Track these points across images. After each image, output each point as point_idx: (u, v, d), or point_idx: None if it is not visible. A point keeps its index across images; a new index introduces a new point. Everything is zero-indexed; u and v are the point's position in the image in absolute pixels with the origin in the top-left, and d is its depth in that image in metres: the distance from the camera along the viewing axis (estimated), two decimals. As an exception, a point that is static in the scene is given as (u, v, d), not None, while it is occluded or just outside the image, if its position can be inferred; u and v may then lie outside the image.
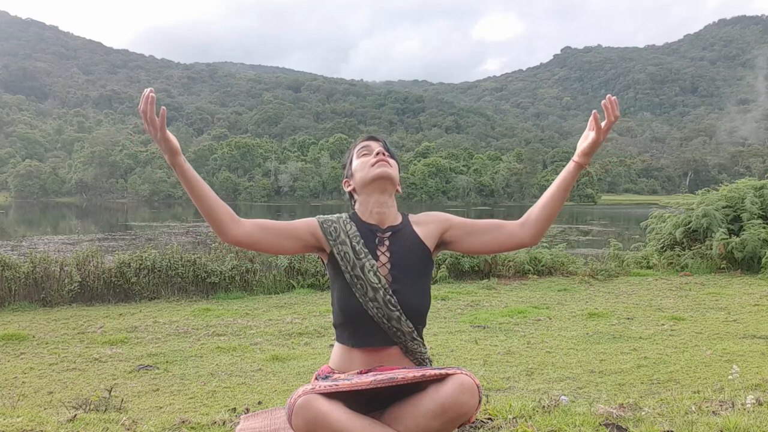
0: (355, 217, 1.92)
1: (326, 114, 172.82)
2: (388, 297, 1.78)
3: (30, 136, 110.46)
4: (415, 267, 1.86)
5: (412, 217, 1.97)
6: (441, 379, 1.61)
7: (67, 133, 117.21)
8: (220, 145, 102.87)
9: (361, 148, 1.99)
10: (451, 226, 1.93)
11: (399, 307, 1.79)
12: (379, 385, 1.60)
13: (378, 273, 1.80)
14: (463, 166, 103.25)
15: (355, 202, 1.98)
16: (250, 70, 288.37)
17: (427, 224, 1.93)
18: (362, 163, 1.93)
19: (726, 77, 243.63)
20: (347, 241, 1.84)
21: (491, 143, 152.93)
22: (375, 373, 1.72)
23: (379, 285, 1.79)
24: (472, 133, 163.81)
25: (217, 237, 1.84)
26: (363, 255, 1.82)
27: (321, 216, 1.91)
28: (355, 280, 1.80)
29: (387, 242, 1.86)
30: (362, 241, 1.85)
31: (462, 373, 1.62)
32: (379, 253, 1.84)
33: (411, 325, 1.81)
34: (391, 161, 1.95)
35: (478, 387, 1.61)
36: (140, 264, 8.73)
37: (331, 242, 1.85)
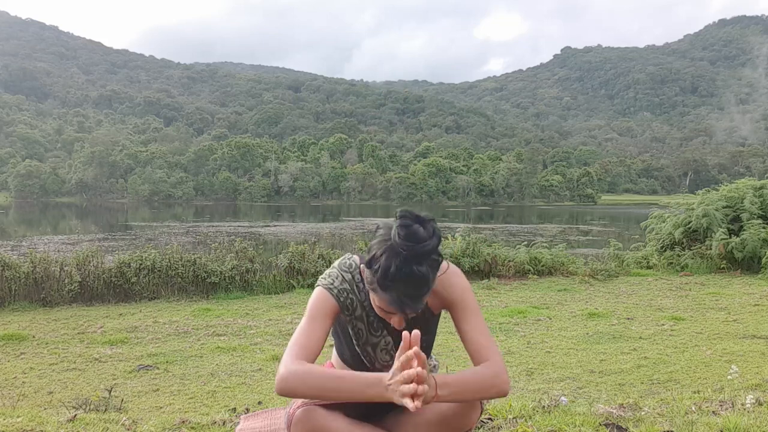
0: None
1: (326, 114, 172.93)
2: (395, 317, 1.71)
3: (30, 136, 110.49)
4: (423, 332, 1.72)
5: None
6: None
7: (67, 133, 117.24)
8: (220, 145, 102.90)
9: (380, 308, 1.60)
10: (451, 309, 1.71)
11: None
12: None
13: (391, 351, 1.71)
14: (463, 166, 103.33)
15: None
16: (250, 70, 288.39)
17: (437, 291, 1.67)
18: (379, 312, 1.63)
19: (726, 77, 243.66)
20: (363, 316, 1.70)
21: (491, 143, 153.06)
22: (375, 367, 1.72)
23: (390, 362, 1.71)
24: (472, 133, 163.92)
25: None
26: (379, 332, 1.72)
27: (334, 283, 1.68)
28: (365, 354, 1.74)
29: None
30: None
31: None
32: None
33: None
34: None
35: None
36: (140, 264, 8.73)
37: (347, 316, 1.71)
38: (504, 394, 1.60)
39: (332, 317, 1.66)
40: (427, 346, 1.78)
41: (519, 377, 4.47)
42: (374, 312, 1.67)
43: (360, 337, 1.72)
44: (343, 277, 1.69)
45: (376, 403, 1.63)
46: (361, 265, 1.62)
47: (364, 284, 1.66)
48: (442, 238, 1.53)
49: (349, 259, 1.73)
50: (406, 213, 1.50)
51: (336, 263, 1.73)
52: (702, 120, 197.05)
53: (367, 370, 1.73)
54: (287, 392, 1.52)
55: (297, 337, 1.61)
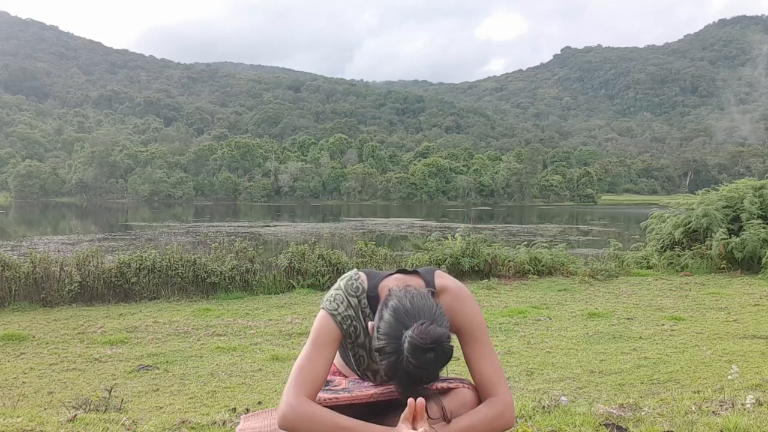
0: (375, 301, 1.66)
1: (326, 114, 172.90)
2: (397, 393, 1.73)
3: (30, 136, 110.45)
4: None
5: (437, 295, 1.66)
6: (443, 391, 1.61)
7: (67, 133, 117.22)
8: (220, 145, 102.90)
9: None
10: (459, 334, 1.68)
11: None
12: (379, 399, 1.59)
13: None
14: (463, 166, 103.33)
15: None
16: (250, 70, 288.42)
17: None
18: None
19: (726, 77, 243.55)
20: (366, 343, 1.68)
21: (491, 143, 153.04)
22: (376, 384, 1.72)
23: (388, 383, 1.69)
24: (472, 133, 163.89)
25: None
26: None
27: (338, 309, 1.64)
28: (364, 376, 1.76)
29: None
30: None
31: (463, 386, 1.62)
32: None
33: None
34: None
35: (479, 401, 1.61)
36: (140, 264, 8.73)
37: (349, 343, 1.70)
38: (510, 427, 1.60)
39: (336, 343, 1.64)
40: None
41: (519, 377, 4.47)
42: None
43: (361, 363, 1.71)
44: (348, 302, 1.64)
45: (376, 407, 1.63)
46: (369, 323, 1.59)
47: (369, 309, 1.64)
48: (453, 349, 1.48)
49: (356, 280, 1.68)
50: (420, 334, 1.41)
51: (342, 283, 1.68)
52: (702, 120, 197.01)
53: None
54: (290, 430, 1.52)
55: (301, 369, 1.58)
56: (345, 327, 1.63)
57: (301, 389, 1.54)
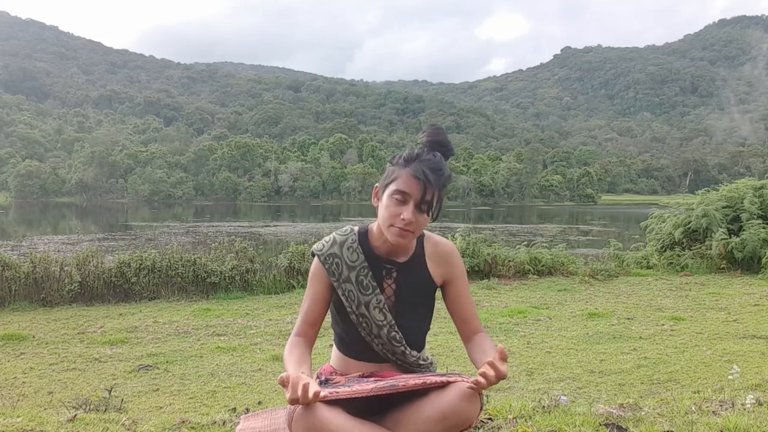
0: (365, 239, 1.79)
1: (326, 114, 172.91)
2: (393, 333, 1.76)
3: (30, 136, 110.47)
4: (420, 301, 1.82)
5: (428, 246, 1.83)
6: (442, 385, 1.61)
7: (67, 133, 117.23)
8: (220, 145, 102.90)
9: (398, 191, 1.66)
10: (450, 284, 1.84)
11: (404, 342, 1.78)
12: (380, 393, 1.60)
13: (384, 309, 1.75)
14: (463, 166, 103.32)
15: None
16: (250, 70, 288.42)
17: (440, 265, 1.83)
18: (389, 213, 1.68)
19: (726, 77, 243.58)
20: (351, 276, 1.75)
21: (491, 143, 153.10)
22: (376, 378, 1.72)
23: (385, 322, 1.75)
24: (472, 133, 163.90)
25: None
26: (370, 290, 1.75)
27: (323, 248, 1.78)
28: (360, 318, 1.76)
29: (395, 274, 1.80)
30: (370, 273, 1.76)
31: (463, 380, 1.62)
32: (385, 285, 1.78)
33: (416, 354, 1.81)
34: (421, 220, 1.69)
35: (480, 395, 1.61)
36: (140, 264, 8.73)
37: (334, 282, 1.76)
38: None
39: (324, 282, 1.77)
40: (423, 318, 1.85)
41: (519, 377, 4.47)
42: (363, 271, 1.75)
43: (352, 300, 1.75)
44: (334, 239, 1.79)
45: (377, 400, 1.64)
46: (376, 184, 1.76)
47: (357, 244, 1.77)
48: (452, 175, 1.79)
49: (348, 226, 1.84)
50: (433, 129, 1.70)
51: (336, 230, 1.84)
52: (702, 120, 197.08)
53: (368, 352, 1.80)
54: None
55: (301, 310, 1.79)
56: (327, 266, 1.75)
57: (297, 329, 1.77)
